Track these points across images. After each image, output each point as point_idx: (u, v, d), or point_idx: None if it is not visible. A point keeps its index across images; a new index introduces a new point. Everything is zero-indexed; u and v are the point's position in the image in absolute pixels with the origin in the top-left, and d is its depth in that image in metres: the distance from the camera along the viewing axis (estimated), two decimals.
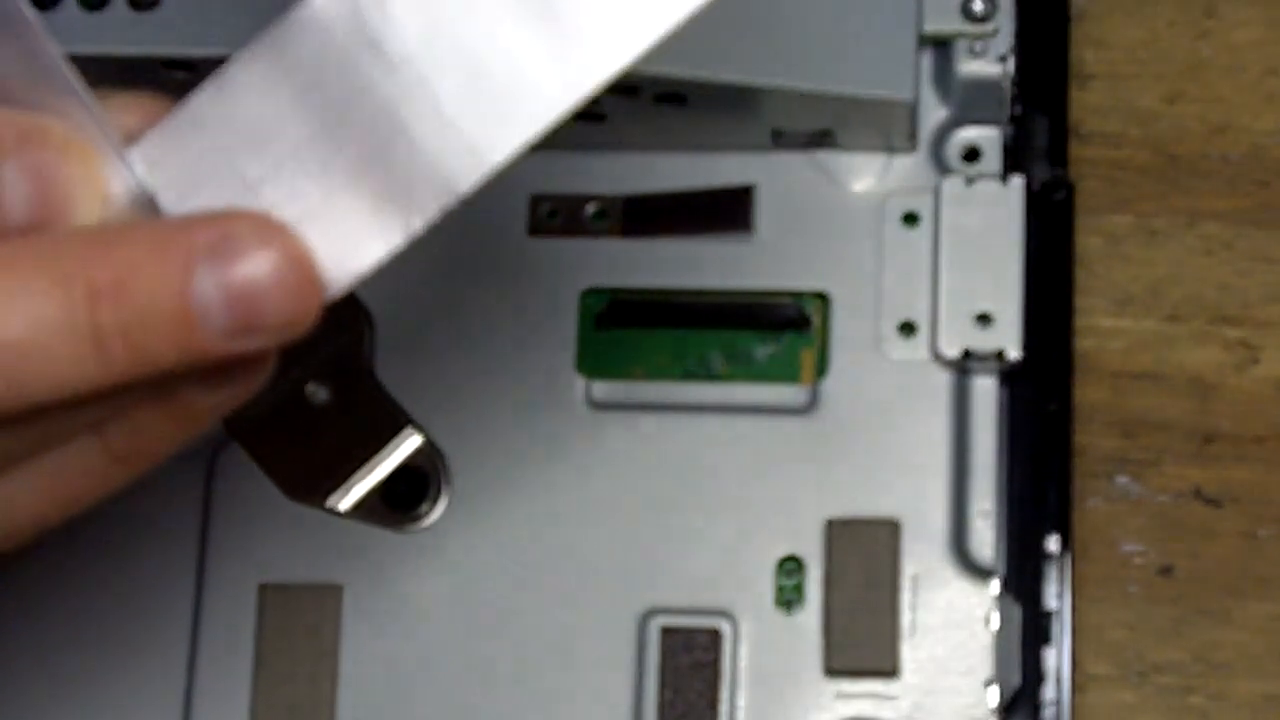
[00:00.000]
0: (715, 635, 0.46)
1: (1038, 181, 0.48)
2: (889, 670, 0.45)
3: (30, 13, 0.30)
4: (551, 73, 0.30)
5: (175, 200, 0.30)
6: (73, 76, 0.30)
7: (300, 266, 0.29)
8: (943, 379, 0.47)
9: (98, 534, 0.48)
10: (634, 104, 0.47)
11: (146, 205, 0.30)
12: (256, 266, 0.29)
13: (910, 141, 0.48)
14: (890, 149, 0.48)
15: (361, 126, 0.30)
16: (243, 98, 0.30)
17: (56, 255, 0.28)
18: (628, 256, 0.49)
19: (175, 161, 0.30)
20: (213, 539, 0.48)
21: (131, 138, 0.30)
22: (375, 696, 0.47)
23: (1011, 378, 0.47)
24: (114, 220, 0.30)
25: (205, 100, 0.30)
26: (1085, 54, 0.51)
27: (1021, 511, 0.46)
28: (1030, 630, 0.45)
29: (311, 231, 0.30)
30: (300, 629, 0.47)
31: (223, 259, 0.29)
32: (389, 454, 0.48)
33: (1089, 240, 0.49)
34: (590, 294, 0.49)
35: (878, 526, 0.46)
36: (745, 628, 0.46)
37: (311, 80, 0.30)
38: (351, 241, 0.30)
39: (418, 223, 0.30)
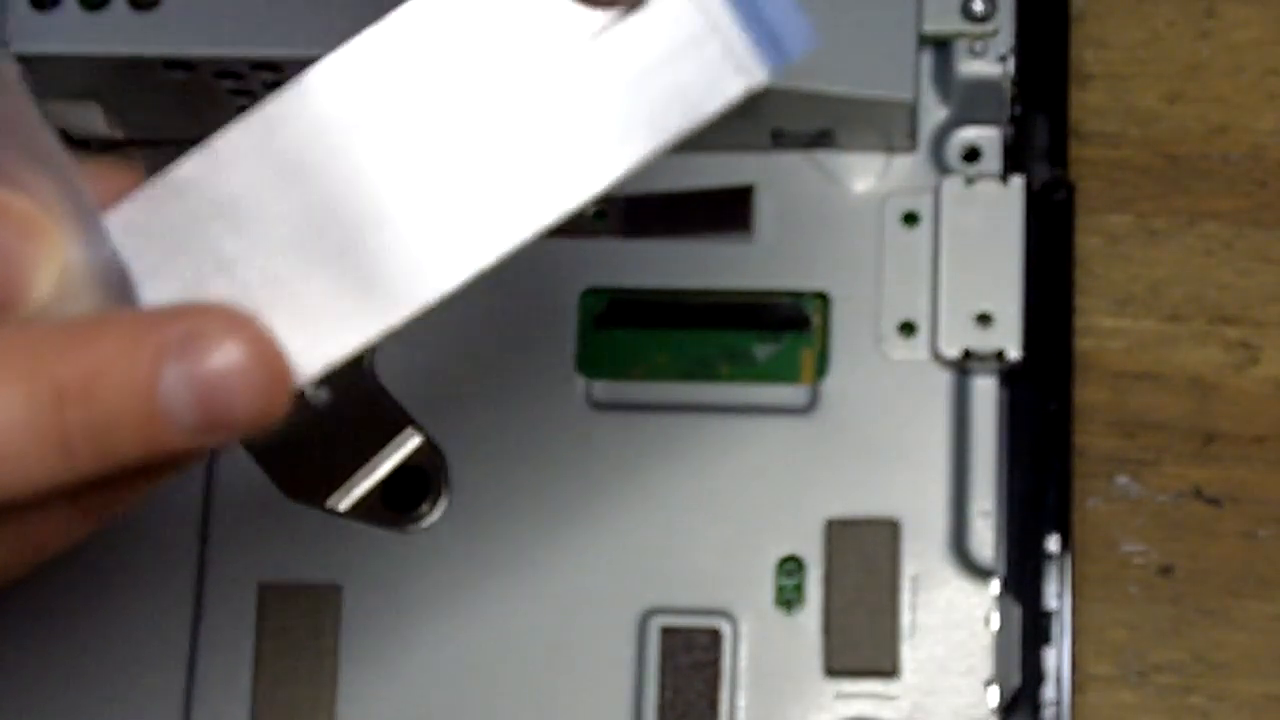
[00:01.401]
0: (715, 635, 0.46)
1: (1038, 181, 0.48)
2: (889, 670, 0.45)
3: (12, 73, 0.29)
4: (539, 185, 0.29)
5: (147, 271, 0.29)
6: (50, 139, 0.29)
7: (269, 362, 0.29)
8: (943, 379, 0.47)
9: (98, 534, 0.48)
10: None
11: (117, 278, 0.29)
12: (225, 363, 0.28)
13: (910, 141, 0.48)
14: (890, 149, 0.48)
15: (345, 214, 0.29)
16: (226, 172, 0.29)
17: (23, 353, 0.28)
18: (628, 256, 0.49)
19: (151, 231, 0.29)
20: (213, 539, 0.48)
21: (106, 204, 0.29)
22: (375, 696, 0.47)
23: (1011, 378, 0.47)
24: (79, 295, 0.29)
25: (188, 170, 0.30)
26: (1085, 54, 0.51)
27: (1021, 511, 0.46)
28: (1030, 630, 0.45)
29: (282, 314, 0.29)
30: (300, 629, 0.47)
31: (191, 356, 0.28)
32: (389, 454, 0.48)
33: (1089, 240, 0.49)
34: (590, 294, 0.49)
35: (878, 526, 0.46)
36: (745, 628, 0.46)
37: (298, 162, 0.29)
38: (325, 328, 0.29)
39: (395, 317, 0.30)
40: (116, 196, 0.29)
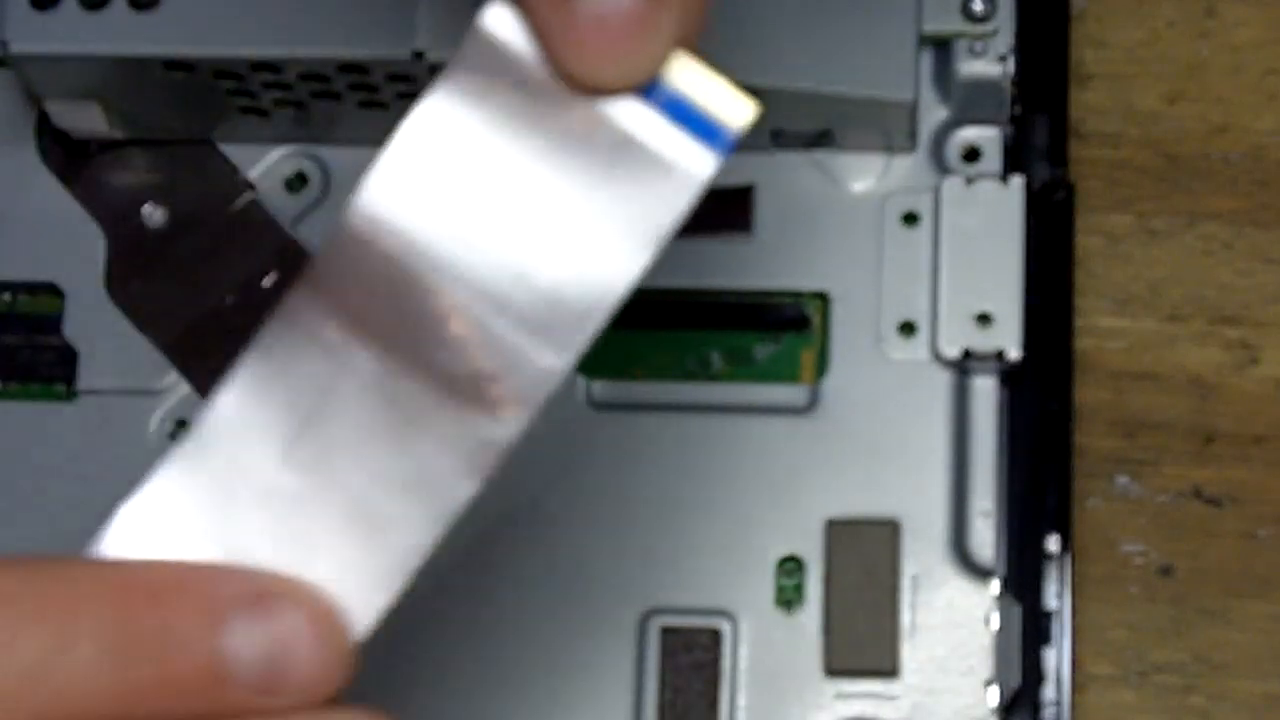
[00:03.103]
0: (715, 635, 0.46)
1: (1038, 181, 0.48)
2: (889, 670, 0.45)
3: None
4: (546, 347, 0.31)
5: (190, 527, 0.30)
6: None
7: (332, 627, 0.29)
8: (943, 379, 0.47)
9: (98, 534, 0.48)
10: None
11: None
12: (291, 624, 0.29)
13: (910, 141, 0.48)
14: (890, 149, 0.48)
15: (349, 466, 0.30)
16: (230, 449, 0.30)
17: (93, 598, 0.28)
18: None
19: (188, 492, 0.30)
20: None
21: None
22: (374, 696, 0.47)
23: (1011, 378, 0.47)
24: None
25: (188, 457, 0.30)
26: (1085, 54, 0.51)
27: (1021, 511, 0.46)
28: (1030, 630, 0.45)
29: (321, 573, 0.30)
30: None
31: (260, 614, 0.28)
32: None
33: (1089, 240, 0.49)
34: None
35: (878, 526, 0.46)
36: (745, 628, 0.46)
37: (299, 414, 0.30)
38: (363, 585, 0.30)
39: (416, 557, 0.30)
40: None
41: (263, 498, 0.30)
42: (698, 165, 0.31)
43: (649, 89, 0.30)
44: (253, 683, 0.28)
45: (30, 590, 0.27)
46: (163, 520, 0.29)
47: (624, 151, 0.30)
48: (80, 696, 0.27)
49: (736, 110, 0.31)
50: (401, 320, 0.30)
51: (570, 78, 0.30)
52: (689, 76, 0.30)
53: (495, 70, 0.30)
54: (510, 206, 0.30)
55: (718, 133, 0.31)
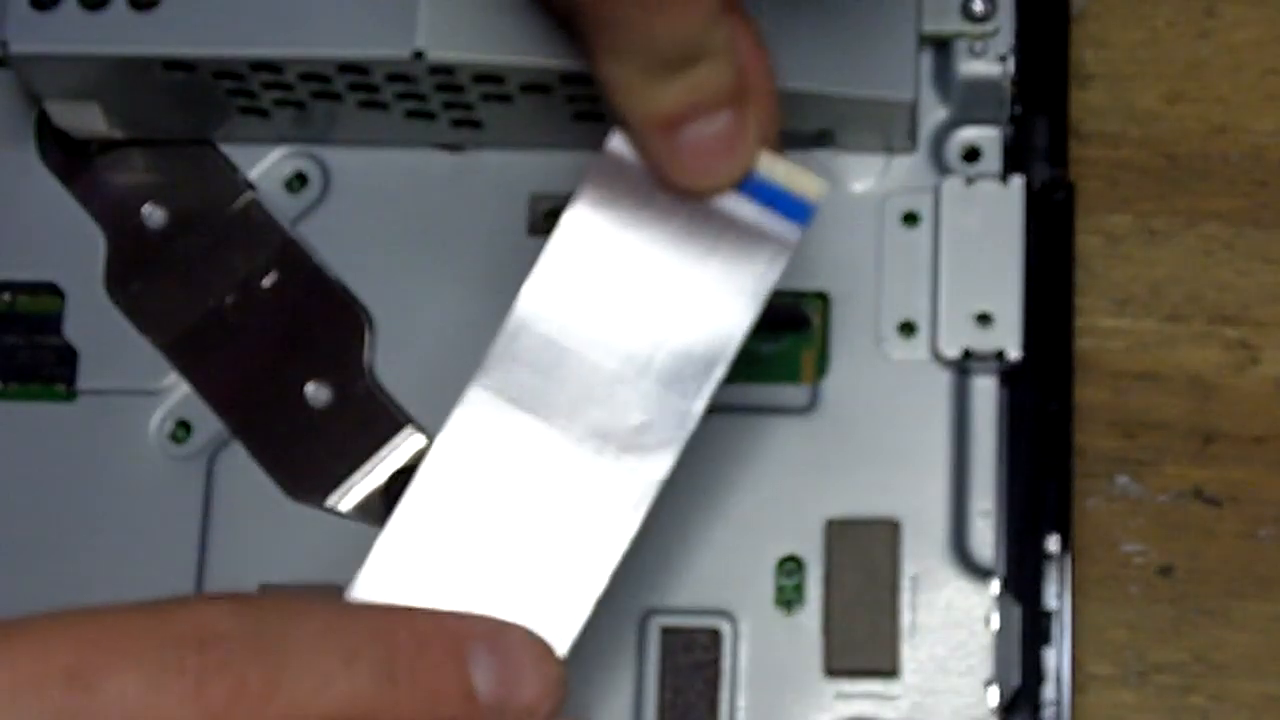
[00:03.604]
0: (715, 635, 0.46)
1: (1038, 181, 0.48)
2: (889, 670, 0.45)
3: None
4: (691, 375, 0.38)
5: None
6: None
7: (546, 652, 0.35)
8: (943, 379, 0.47)
9: (97, 534, 0.48)
10: None
11: None
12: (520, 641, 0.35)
13: (910, 141, 0.48)
14: (890, 149, 0.48)
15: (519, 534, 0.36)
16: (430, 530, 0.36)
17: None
18: None
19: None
20: (213, 539, 0.48)
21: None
22: None
23: (1011, 378, 0.47)
24: None
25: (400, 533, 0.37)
26: (1085, 54, 0.51)
27: (1021, 511, 0.46)
28: (1030, 630, 0.45)
29: (532, 614, 0.35)
30: None
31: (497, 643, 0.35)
32: (389, 454, 0.48)
33: (1089, 240, 0.49)
34: None
35: (878, 526, 0.46)
36: (745, 628, 0.46)
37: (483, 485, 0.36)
38: (559, 617, 0.36)
39: (598, 588, 0.36)
40: None
41: (469, 552, 0.36)
42: (787, 235, 0.38)
43: (741, 181, 0.38)
44: (492, 702, 0.34)
45: (321, 624, 0.33)
46: (395, 577, 0.36)
47: (728, 232, 0.38)
48: (357, 701, 0.32)
49: (813, 188, 0.39)
50: (562, 390, 0.36)
51: (677, 190, 0.38)
52: (771, 166, 0.39)
53: (621, 179, 0.38)
54: (642, 285, 0.37)
55: (799, 208, 0.38)
